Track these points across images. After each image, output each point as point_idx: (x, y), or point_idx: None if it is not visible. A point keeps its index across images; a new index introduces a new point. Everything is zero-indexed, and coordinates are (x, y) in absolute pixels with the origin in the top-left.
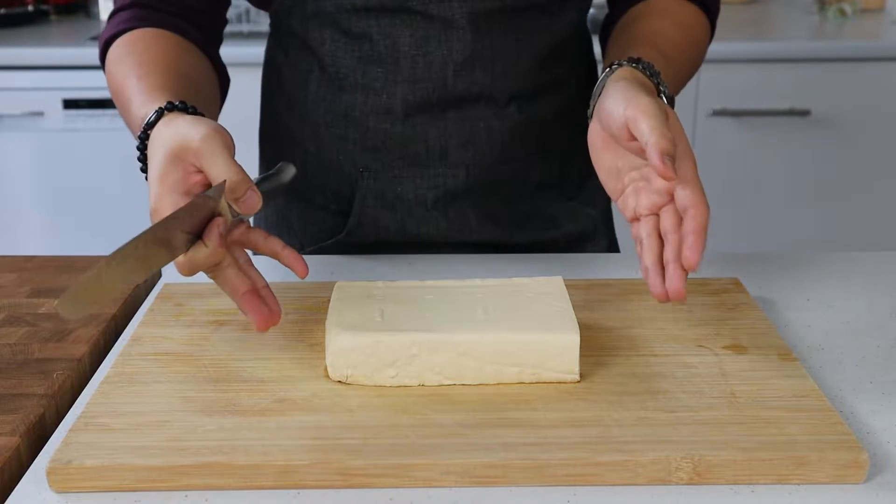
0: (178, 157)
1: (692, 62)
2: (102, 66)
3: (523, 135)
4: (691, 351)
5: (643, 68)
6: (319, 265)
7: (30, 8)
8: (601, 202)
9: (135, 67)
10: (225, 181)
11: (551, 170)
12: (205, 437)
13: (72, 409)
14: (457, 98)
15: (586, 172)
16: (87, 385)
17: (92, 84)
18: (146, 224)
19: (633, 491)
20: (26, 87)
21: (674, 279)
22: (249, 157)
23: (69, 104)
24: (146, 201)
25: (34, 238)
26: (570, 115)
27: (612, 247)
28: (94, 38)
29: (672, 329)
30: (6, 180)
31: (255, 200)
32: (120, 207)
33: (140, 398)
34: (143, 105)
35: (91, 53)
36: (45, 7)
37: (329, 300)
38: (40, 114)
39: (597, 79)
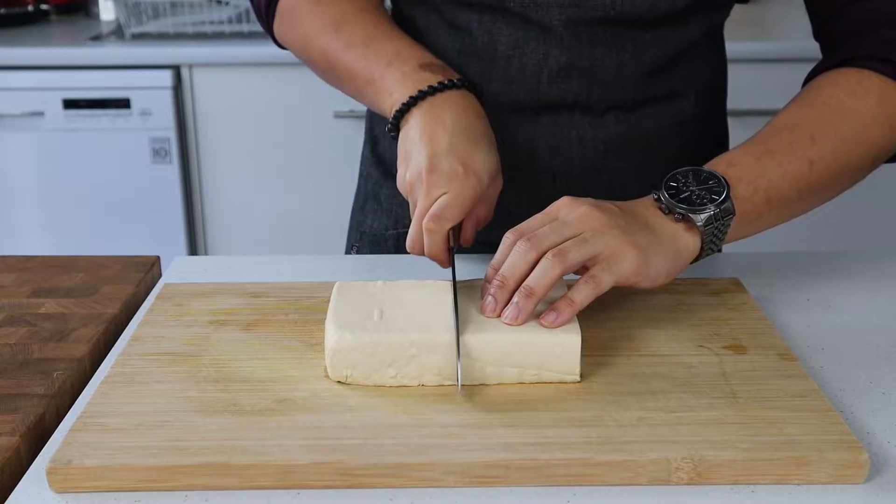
0: (497, 164)
1: (847, 171)
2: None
3: (620, 147)
4: (691, 351)
5: (669, 209)
6: (319, 265)
7: (30, 8)
8: None
9: (357, 25)
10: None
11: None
12: (205, 437)
13: (72, 409)
14: (550, 104)
15: None
16: (87, 385)
17: (92, 84)
18: (145, 224)
19: (633, 491)
20: (26, 87)
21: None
22: (250, 154)
23: (69, 104)
24: (145, 202)
25: (34, 238)
26: (678, 131)
27: None
28: (95, 38)
29: (672, 329)
30: (6, 180)
31: (472, 241)
32: (120, 207)
33: (140, 398)
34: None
35: (91, 53)
36: (45, 7)
37: (328, 300)
38: (40, 114)
39: (720, 94)
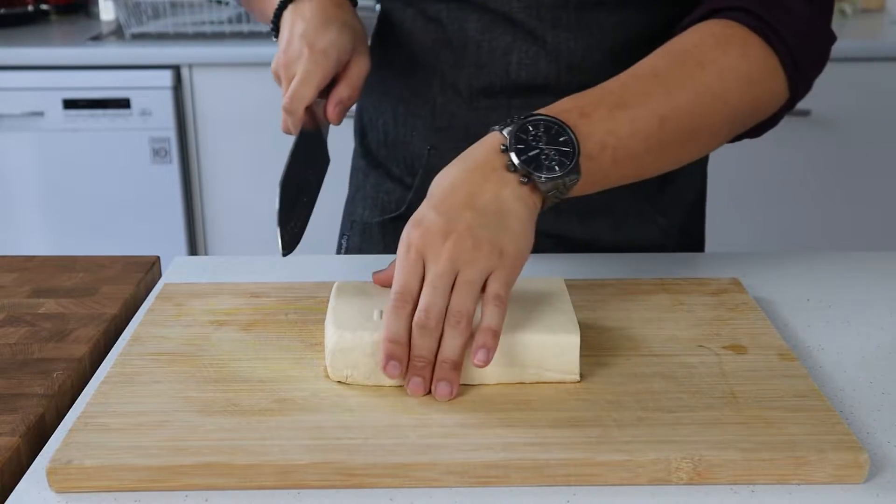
0: (352, 42)
1: (701, 131)
2: None
3: None
4: (691, 351)
5: (515, 160)
6: (319, 265)
7: (30, 8)
8: (677, 213)
9: None
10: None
11: None
12: (205, 437)
13: (72, 409)
14: (522, 87)
15: (670, 175)
16: (87, 385)
17: (92, 84)
18: (145, 224)
19: (633, 491)
20: (26, 87)
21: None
22: (250, 154)
23: (69, 104)
24: (145, 202)
25: (34, 238)
26: None
27: None
28: (95, 38)
29: (672, 329)
30: (6, 180)
31: (339, 119)
32: (120, 207)
33: (140, 398)
34: None
35: (91, 53)
36: (45, 7)
37: (328, 300)
38: (40, 114)
39: None
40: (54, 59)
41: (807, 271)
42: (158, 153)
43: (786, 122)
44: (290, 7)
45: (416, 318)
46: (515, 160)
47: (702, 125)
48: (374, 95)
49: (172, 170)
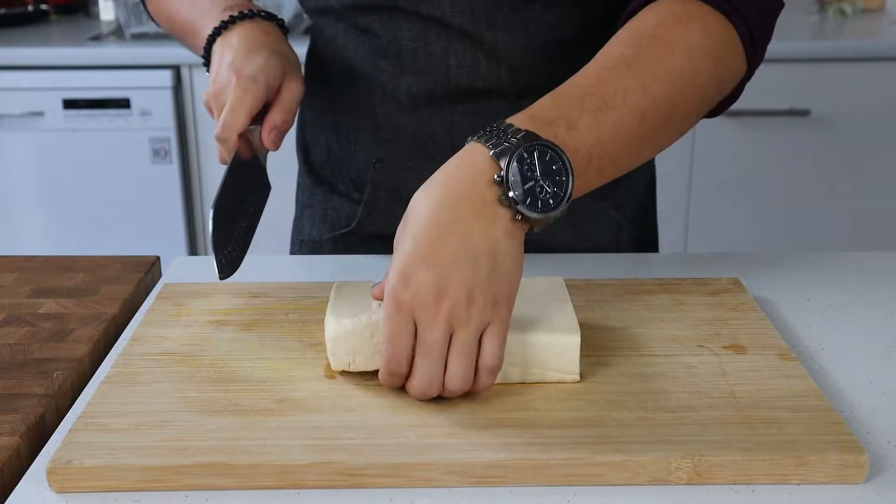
0: (281, 67)
1: (675, 118)
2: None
3: None
4: (691, 351)
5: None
6: (319, 265)
7: (30, 8)
8: (632, 207)
9: None
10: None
11: None
12: (205, 437)
13: (72, 409)
14: (463, 91)
15: None
16: (87, 385)
17: (92, 84)
18: (145, 224)
19: (633, 491)
20: (26, 87)
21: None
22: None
23: (69, 104)
24: (145, 202)
25: (34, 238)
26: None
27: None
28: (94, 38)
29: (672, 329)
30: (6, 180)
31: (275, 145)
32: (120, 207)
33: (140, 398)
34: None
35: (91, 53)
36: (45, 7)
37: (328, 300)
38: (40, 114)
39: None
40: (54, 59)
41: (807, 271)
42: (158, 153)
43: (786, 122)
44: (219, 39)
45: (417, 390)
46: (520, 207)
47: (676, 112)
48: (314, 113)
49: (172, 170)
